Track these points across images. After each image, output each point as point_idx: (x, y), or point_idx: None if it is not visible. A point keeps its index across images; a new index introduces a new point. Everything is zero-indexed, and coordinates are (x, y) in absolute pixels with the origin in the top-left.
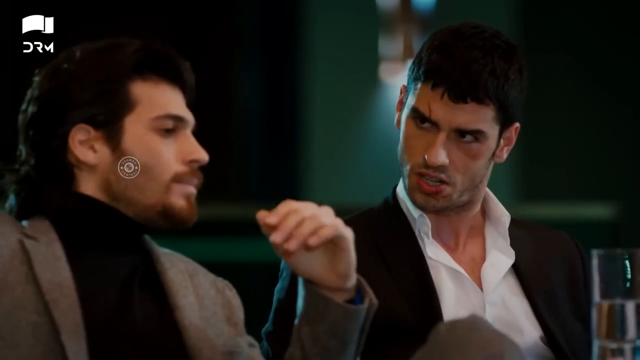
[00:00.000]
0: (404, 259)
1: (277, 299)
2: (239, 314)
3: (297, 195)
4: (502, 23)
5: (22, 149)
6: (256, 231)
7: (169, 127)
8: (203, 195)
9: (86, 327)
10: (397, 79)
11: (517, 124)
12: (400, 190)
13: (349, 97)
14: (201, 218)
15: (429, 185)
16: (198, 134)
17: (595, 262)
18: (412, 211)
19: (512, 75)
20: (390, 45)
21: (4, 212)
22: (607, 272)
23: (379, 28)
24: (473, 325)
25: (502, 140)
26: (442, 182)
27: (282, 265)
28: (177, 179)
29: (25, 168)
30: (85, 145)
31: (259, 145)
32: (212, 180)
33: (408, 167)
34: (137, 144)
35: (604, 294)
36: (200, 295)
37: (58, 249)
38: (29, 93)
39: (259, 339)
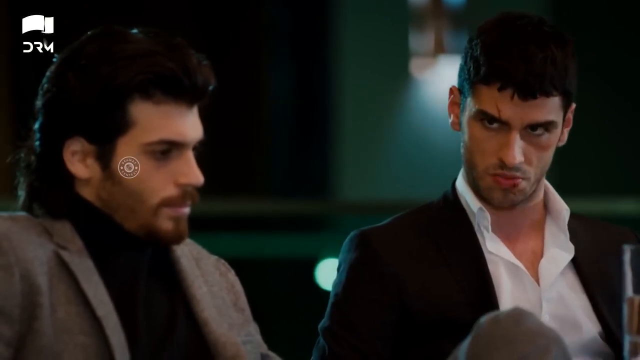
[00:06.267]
0: (462, 253)
1: (334, 293)
2: (244, 298)
3: (327, 191)
4: None
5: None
6: (285, 226)
7: (163, 150)
8: (232, 190)
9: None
10: (427, 74)
11: (574, 104)
12: (460, 184)
13: (380, 93)
14: (231, 213)
15: (507, 179)
16: (230, 131)
17: (627, 257)
18: (472, 205)
19: (569, 62)
20: (421, 41)
21: (24, 214)
22: (639, 267)
23: (410, 23)
24: (517, 318)
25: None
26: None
27: (339, 259)
28: (167, 203)
29: (33, 162)
30: (77, 157)
31: (289, 141)
32: (242, 176)
33: (480, 170)
34: None
35: (636, 289)
36: (209, 282)
37: (89, 259)
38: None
39: (281, 334)
